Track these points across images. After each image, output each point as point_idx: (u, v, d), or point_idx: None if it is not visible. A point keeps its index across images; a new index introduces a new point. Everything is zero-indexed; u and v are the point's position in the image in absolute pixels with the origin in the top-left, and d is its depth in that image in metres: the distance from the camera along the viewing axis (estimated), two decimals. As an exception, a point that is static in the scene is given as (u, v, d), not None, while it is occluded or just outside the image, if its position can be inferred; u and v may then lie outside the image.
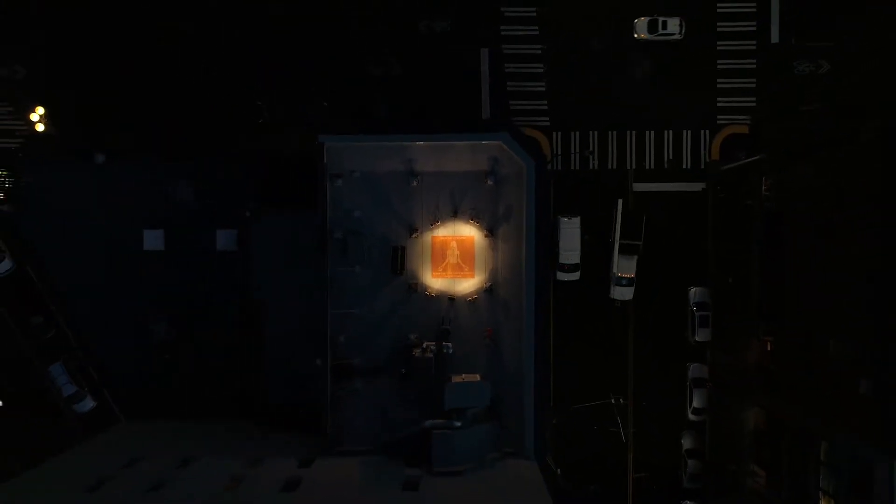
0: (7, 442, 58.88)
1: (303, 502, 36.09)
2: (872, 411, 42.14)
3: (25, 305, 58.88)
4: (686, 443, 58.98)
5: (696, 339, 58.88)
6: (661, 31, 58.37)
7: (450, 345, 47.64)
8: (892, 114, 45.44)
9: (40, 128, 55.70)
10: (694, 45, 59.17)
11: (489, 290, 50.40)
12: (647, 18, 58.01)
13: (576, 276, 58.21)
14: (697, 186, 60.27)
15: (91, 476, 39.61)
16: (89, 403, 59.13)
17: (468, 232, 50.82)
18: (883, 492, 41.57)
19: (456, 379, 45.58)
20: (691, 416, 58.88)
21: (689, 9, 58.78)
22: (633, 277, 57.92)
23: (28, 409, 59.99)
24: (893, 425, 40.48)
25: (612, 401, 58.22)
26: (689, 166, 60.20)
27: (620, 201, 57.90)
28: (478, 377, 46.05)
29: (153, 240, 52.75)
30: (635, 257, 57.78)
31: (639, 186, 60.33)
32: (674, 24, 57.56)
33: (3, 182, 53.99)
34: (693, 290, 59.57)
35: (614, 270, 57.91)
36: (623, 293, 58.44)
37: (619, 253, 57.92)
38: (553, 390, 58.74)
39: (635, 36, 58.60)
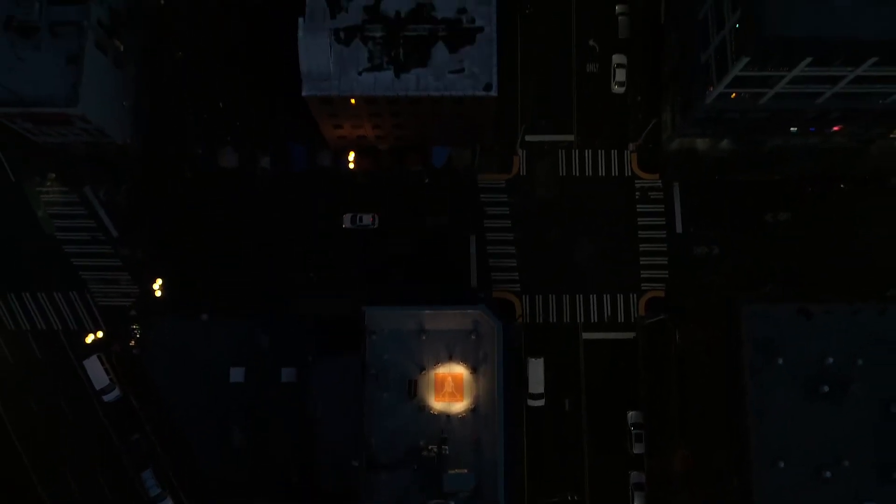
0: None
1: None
2: (735, 495, 59.44)
3: (127, 425, 75.50)
4: (631, 534, 71.91)
5: (634, 451, 73.20)
6: (359, 223, 74.77)
7: (447, 448, 60.97)
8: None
9: (158, 293, 74.98)
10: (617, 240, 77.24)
11: (474, 410, 62.51)
12: (350, 214, 74.85)
13: (541, 402, 73.43)
14: (630, 335, 75.90)
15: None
16: (169, 502, 75.07)
17: (459, 370, 63.17)
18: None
19: (451, 471, 59.53)
20: (635, 514, 72.12)
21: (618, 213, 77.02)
22: None
23: (120, 505, 75.57)
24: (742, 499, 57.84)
25: (570, 498, 72.75)
26: (623, 320, 76.34)
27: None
28: (466, 470, 60.11)
29: (237, 375, 69.06)
30: None
31: (587, 335, 76.13)
32: (367, 218, 74.75)
33: (136, 333, 73.26)
34: (630, 413, 74.11)
35: None
36: None
37: None
38: (526, 488, 72.76)
39: (343, 226, 74.70)
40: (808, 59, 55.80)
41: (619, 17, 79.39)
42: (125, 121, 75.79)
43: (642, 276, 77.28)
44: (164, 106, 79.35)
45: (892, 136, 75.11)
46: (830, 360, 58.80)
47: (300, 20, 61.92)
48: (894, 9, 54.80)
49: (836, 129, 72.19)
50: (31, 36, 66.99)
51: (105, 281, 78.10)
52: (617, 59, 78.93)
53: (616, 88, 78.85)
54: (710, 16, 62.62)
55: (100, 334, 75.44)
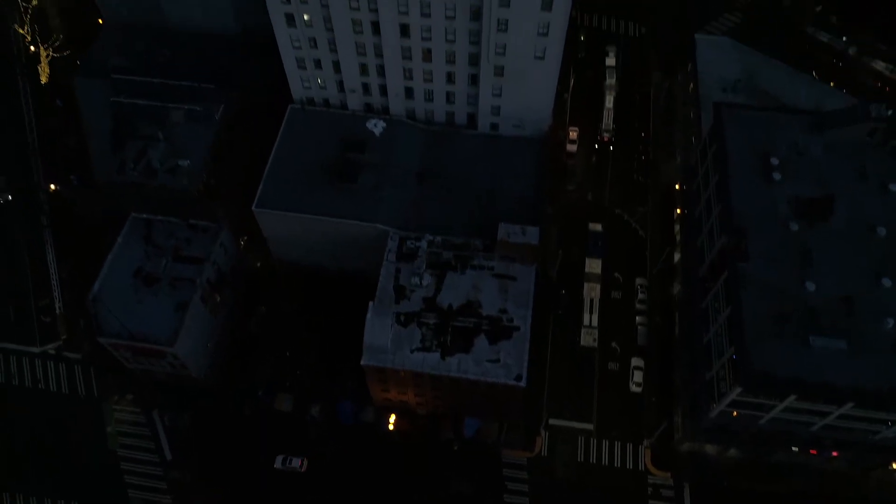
0: None
1: None
2: None
3: None
4: None
5: None
6: (288, 465, 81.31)
7: None
8: None
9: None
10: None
11: None
12: (282, 457, 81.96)
13: None
14: None
15: None
16: None
17: None
18: None
19: None
20: None
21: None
22: None
23: None
24: None
25: None
26: None
27: None
28: None
29: None
30: None
31: None
32: (297, 462, 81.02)
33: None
34: None
35: None
36: None
37: None
38: None
39: (275, 466, 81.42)
40: (794, 396, 65.01)
41: (639, 327, 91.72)
42: (205, 358, 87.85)
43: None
44: (239, 349, 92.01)
45: (891, 467, 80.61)
46: None
47: (371, 304, 75.62)
48: (867, 360, 64.88)
49: (834, 454, 78.48)
50: (152, 285, 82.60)
51: (147, 502, 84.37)
52: (635, 361, 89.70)
53: (633, 388, 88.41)
54: (713, 343, 73.79)
55: (131, 555, 79.84)
